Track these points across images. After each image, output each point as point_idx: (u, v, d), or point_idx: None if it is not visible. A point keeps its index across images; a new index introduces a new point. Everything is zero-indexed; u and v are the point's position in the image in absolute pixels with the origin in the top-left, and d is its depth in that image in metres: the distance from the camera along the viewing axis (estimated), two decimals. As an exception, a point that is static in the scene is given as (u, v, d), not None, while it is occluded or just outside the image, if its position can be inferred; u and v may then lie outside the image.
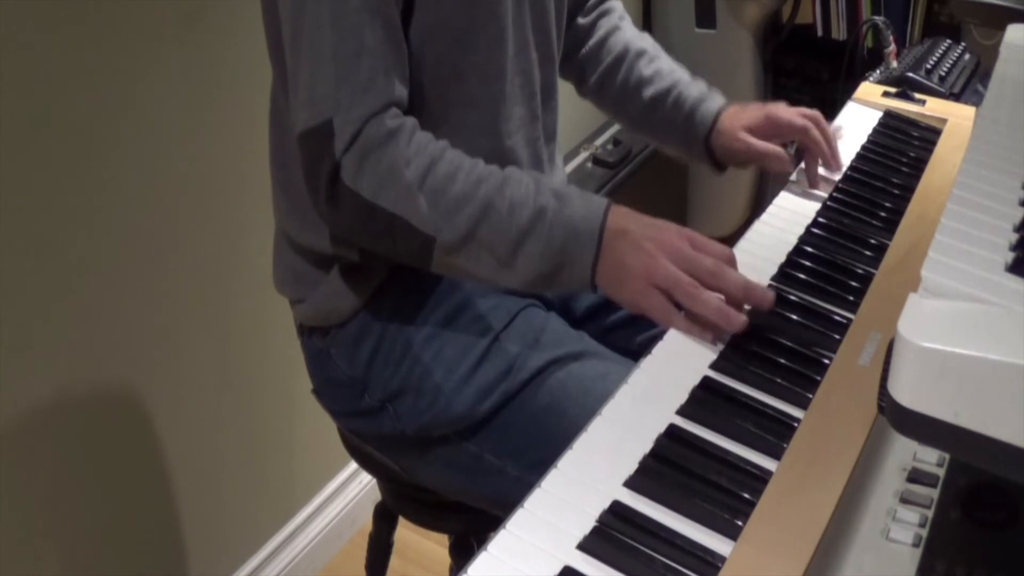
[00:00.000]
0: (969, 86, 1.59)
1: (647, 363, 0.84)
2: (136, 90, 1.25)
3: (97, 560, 1.37)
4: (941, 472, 0.72)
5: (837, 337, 0.86)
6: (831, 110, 1.22)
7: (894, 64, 1.66)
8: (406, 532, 1.48)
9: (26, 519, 1.26)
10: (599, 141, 2.25)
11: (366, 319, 1.01)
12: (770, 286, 0.93)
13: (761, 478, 0.71)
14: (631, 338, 1.11)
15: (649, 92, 1.17)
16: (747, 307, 0.87)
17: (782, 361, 0.83)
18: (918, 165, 1.16)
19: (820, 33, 2.35)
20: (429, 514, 1.15)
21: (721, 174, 1.20)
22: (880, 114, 1.30)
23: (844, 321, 0.89)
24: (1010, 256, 0.62)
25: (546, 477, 0.72)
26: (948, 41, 1.71)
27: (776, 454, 0.74)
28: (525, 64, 1.02)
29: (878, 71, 1.66)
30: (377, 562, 1.29)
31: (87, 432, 1.31)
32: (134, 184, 1.28)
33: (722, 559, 0.65)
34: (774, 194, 1.12)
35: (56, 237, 1.20)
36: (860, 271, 0.96)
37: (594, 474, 0.72)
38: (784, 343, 0.86)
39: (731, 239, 1.03)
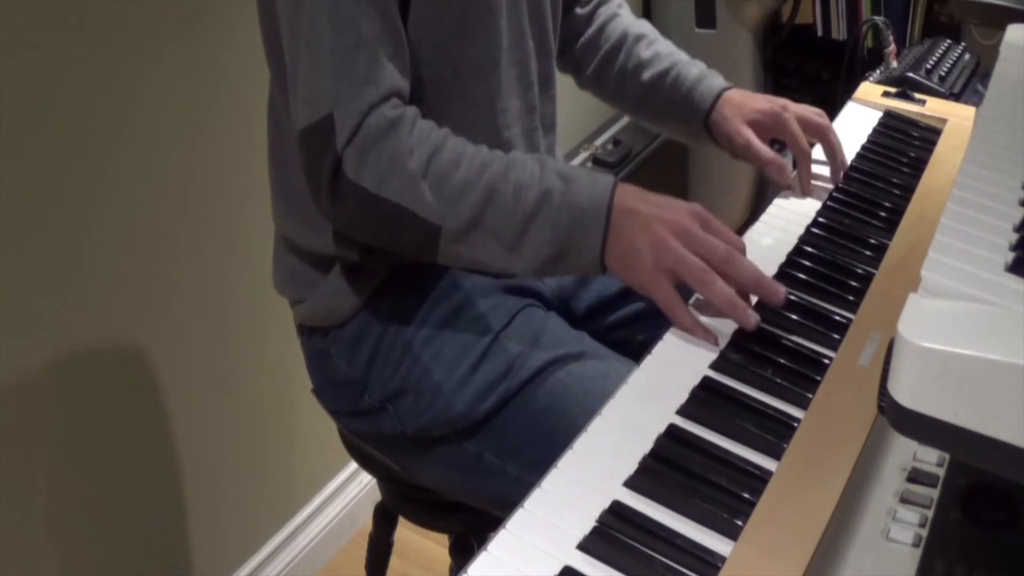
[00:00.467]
0: (969, 86, 1.59)
1: (647, 363, 0.84)
2: (136, 91, 1.25)
3: (97, 560, 1.37)
4: (941, 472, 0.72)
5: (837, 337, 0.86)
6: (831, 110, 1.21)
7: (894, 64, 1.66)
8: (406, 532, 1.48)
9: (26, 519, 1.26)
10: (599, 141, 2.25)
11: (366, 319, 1.01)
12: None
13: (761, 478, 0.71)
14: (631, 338, 1.11)
15: (648, 74, 1.16)
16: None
17: (782, 361, 0.83)
18: (918, 165, 1.16)
19: (820, 33, 2.35)
20: (429, 514, 1.14)
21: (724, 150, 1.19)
22: (880, 114, 1.30)
23: (844, 321, 0.88)
24: (1010, 256, 0.62)
25: (546, 477, 0.72)
26: (948, 41, 1.71)
27: (776, 454, 0.74)
28: (521, 56, 1.01)
29: (878, 71, 1.66)
30: (377, 562, 1.29)
31: (87, 432, 1.31)
32: (134, 184, 1.28)
33: (722, 559, 0.65)
34: (774, 194, 1.12)
35: (56, 238, 1.20)
36: (860, 271, 0.96)
37: (594, 474, 0.72)
38: (784, 343, 0.86)
39: (731, 239, 1.03)
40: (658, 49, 1.18)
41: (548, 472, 0.72)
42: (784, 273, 0.96)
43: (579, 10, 1.21)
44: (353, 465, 1.81)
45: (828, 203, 1.09)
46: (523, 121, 1.04)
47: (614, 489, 0.71)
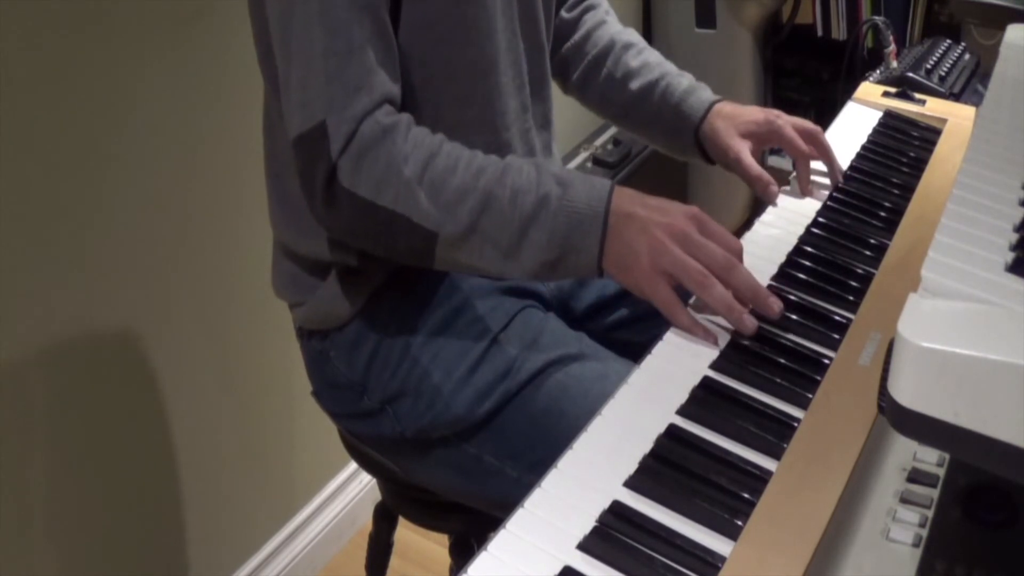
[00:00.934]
0: (969, 86, 1.59)
1: (647, 363, 0.84)
2: (135, 93, 1.25)
3: (97, 560, 1.37)
4: (941, 472, 0.72)
5: (837, 337, 0.86)
6: (831, 110, 1.21)
7: (894, 64, 1.66)
8: (406, 532, 1.48)
9: (26, 519, 1.26)
10: (599, 141, 2.25)
11: (365, 322, 1.01)
12: (770, 286, 0.93)
13: (761, 478, 0.71)
14: (631, 339, 1.11)
15: (636, 83, 1.16)
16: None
17: (782, 361, 0.83)
18: (918, 165, 1.16)
19: (820, 33, 2.35)
20: (429, 514, 1.14)
21: (711, 164, 1.19)
22: (880, 114, 1.30)
23: (844, 321, 0.88)
24: (1010, 256, 0.62)
25: (546, 477, 0.72)
26: (948, 41, 1.71)
27: (776, 454, 0.74)
28: (515, 56, 1.01)
29: (878, 71, 1.66)
30: (377, 562, 1.29)
31: (87, 433, 1.31)
32: (133, 186, 1.28)
33: (722, 559, 0.65)
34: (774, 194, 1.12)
35: (56, 239, 1.20)
36: (860, 271, 0.96)
37: (594, 474, 0.72)
38: (784, 343, 0.86)
39: (731, 240, 1.03)
40: (647, 59, 1.18)
41: (548, 472, 0.72)
42: (784, 273, 0.96)
43: (565, 14, 1.20)
44: (353, 465, 1.81)
45: (828, 203, 1.09)
46: (519, 121, 1.04)
47: (614, 489, 0.71)
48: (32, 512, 1.27)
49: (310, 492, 1.76)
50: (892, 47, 1.69)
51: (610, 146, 2.23)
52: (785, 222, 1.06)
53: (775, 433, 0.75)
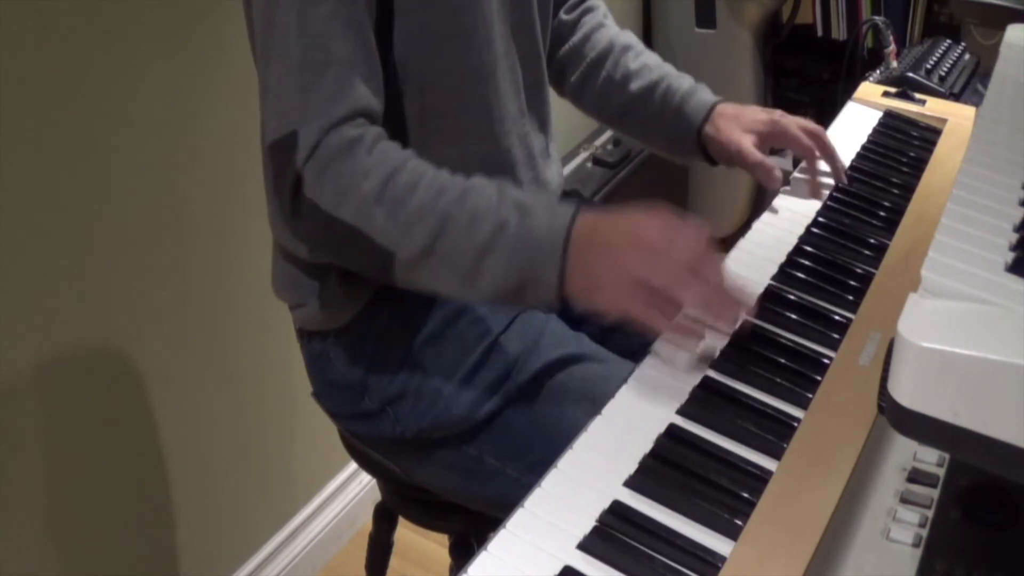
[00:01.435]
0: (969, 86, 1.59)
1: (647, 363, 0.84)
2: (136, 93, 1.25)
3: (97, 560, 1.37)
4: (941, 472, 0.72)
5: (837, 337, 0.86)
6: (831, 110, 1.21)
7: (894, 64, 1.66)
8: (406, 532, 1.48)
9: (25, 519, 1.26)
10: (599, 141, 2.25)
11: (365, 323, 1.01)
12: (770, 286, 0.93)
13: (761, 478, 0.71)
14: (631, 338, 1.11)
15: (636, 84, 1.16)
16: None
17: (782, 361, 0.83)
18: (918, 165, 1.16)
19: (820, 33, 2.35)
20: (429, 514, 1.15)
21: (713, 165, 1.19)
22: (880, 114, 1.30)
23: (844, 321, 0.89)
24: (1010, 256, 0.62)
25: (546, 477, 0.72)
26: (948, 41, 1.71)
27: (776, 454, 0.74)
28: (512, 62, 1.01)
29: (878, 71, 1.66)
30: (377, 562, 1.29)
31: (87, 433, 1.31)
32: (133, 186, 1.28)
33: (722, 559, 0.65)
34: (774, 194, 1.12)
35: (56, 238, 1.20)
36: (860, 271, 0.96)
37: (594, 474, 0.72)
38: (784, 343, 0.86)
39: (731, 239, 1.03)
40: (646, 60, 1.17)
41: (548, 472, 0.72)
42: (784, 273, 0.96)
43: (564, 16, 1.20)
44: (353, 465, 1.81)
45: (828, 203, 1.09)
46: (517, 126, 1.04)
47: (614, 489, 0.71)
48: (32, 512, 1.27)
49: (310, 492, 1.76)
50: (892, 47, 1.69)
51: (610, 146, 2.23)
52: (785, 222, 1.06)
53: (775, 433, 0.76)
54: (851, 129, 1.25)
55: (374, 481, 1.33)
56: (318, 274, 1.01)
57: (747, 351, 0.84)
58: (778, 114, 1.12)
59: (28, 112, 1.13)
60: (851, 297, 0.92)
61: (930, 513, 0.69)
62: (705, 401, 0.79)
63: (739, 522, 0.67)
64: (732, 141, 1.10)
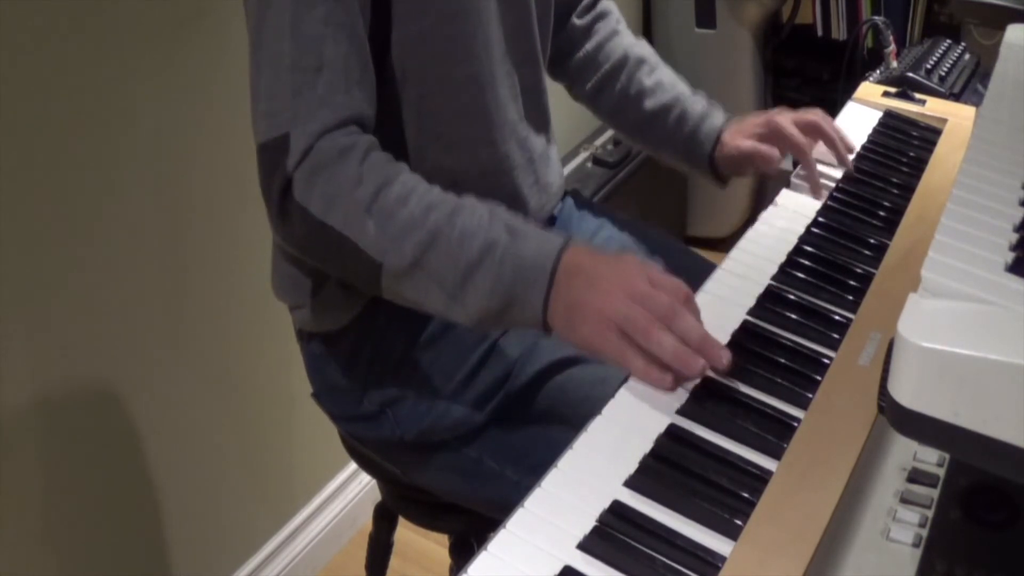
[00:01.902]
0: (969, 86, 1.59)
1: (647, 363, 0.84)
2: (136, 95, 1.25)
3: (97, 560, 1.37)
4: (941, 472, 0.72)
5: (837, 337, 0.86)
6: (831, 110, 1.21)
7: (894, 64, 1.66)
8: (406, 532, 1.48)
9: (25, 519, 1.26)
10: (599, 141, 2.25)
11: (365, 325, 1.01)
12: (770, 286, 0.93)
13: (761, 478, 0.71)
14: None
15: (650, 104, 1.16)
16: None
17: (782, 361, 0.83)
18: (918, 165, 1.16)
19: (820, 33, 2.35)
20: (429, 514, 1.14)
21: (724, 187, 1.20)
22: (880, 114, 1.30)
23: (844, 321, 0.88)
24: (1010, 256, 0.62)
25: (546, 477, 0.72)
26: (948, 41, 1.71)
27: (776, 454, 0.74)
28: (509, 67, 1.01)
29: (878, 71, 1.66)
30: (377, 562, 1.29)
31: (87, 434, 1.31)
32: (132, 187, 1.28)
33: (722, 559, 0.65)
34: (774, 193, 1.12)
35: (56, 240, 1.20)
36: (860, 271, 0.96)
37: (594, 474, 0.72)
38: (784, 343, 0.86)
39: (731, 239, 1.03)
40: (660, 78, 1.18)
41: (548, 472, 0.72)
42: (784, 273, 0.96)
43: (576, 20, 1.20)
44: (353, 465, 1.81)
45: (828, 203, 1.09)
46: (516, 131, 1.04)
47: (614, 489, 0.71)
48: (32, 513, 1.27)
49: (310, 492, 1.76)
50: (892, 47, 1.69)
51: (610, 146, 2.23)
52: (785, 222, 1.06)
53: (775, 433, 0.75)
54: (851, 129, 1.25)
55: (374, 481, 1.33)
56: (318, 275, 1.01)
57: (747, 351, 0.84)
58: (774, 112, 1.13)
59: (28, 112, 1.13)
60: (851, 297, 0.92)
61: (930, 513, 0.69)
62: (705, 401, 0.79)
63: (739, 522, 0.67)
64: (733, 147, 1.13)
